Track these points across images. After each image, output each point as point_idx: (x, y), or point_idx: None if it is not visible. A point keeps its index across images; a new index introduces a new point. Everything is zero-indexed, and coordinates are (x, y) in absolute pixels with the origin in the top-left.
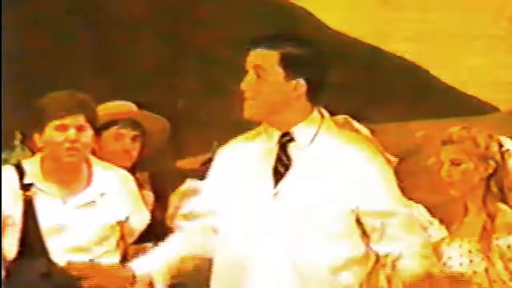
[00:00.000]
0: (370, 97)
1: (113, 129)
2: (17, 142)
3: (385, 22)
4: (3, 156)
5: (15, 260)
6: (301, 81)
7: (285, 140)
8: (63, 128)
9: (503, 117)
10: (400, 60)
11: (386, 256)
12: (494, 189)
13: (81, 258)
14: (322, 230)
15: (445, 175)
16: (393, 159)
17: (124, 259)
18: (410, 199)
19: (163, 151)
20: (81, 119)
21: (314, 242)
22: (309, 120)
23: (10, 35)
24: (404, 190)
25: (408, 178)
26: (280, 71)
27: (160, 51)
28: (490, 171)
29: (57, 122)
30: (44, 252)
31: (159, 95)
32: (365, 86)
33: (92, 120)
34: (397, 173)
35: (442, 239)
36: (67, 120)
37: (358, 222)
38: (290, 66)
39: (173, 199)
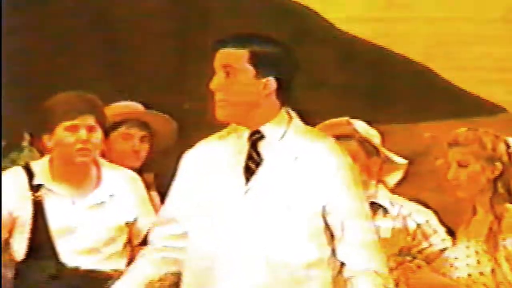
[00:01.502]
0: (378, 98)
1: (121, 130)
2: (25, 144)
3: (393, 23)
4: (11, 157)
5: (24, 261)
6: (271, 79)
7: (256, 137)
8: (73, 128)
9: (511, 118)
10: (408, 61)
11: (342, 265)
12: (501, 190)
13: (90, 259)
14: (294, 227)
15: (451, 177)
16: (403, 161)
17: (131, 261)
18: (419, 200)
19: (169, 152)
20: (91, 120)
21: (286, 239)
22: (278, 118)
23: (15, 37)
24: (412, 191)
25: (416, 179)
26: (250, 69)
27: (167, 52)
28: (497, 173)
29: (67, 123)
30: (53, 253)
31: (166, 96)
32: (373, 87)
33: (101, 120)
34: (405, 174)
35: (443, 250)
36: (77, 121)
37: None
38: (260, 63)
39: None
